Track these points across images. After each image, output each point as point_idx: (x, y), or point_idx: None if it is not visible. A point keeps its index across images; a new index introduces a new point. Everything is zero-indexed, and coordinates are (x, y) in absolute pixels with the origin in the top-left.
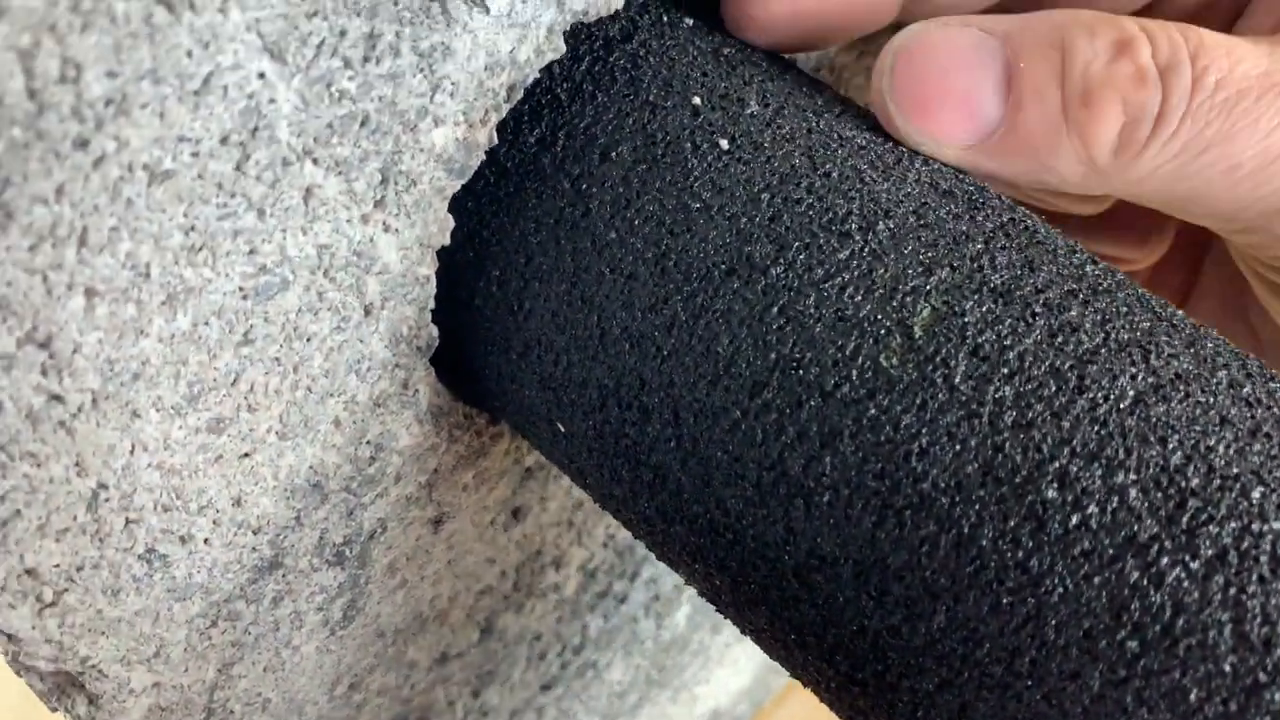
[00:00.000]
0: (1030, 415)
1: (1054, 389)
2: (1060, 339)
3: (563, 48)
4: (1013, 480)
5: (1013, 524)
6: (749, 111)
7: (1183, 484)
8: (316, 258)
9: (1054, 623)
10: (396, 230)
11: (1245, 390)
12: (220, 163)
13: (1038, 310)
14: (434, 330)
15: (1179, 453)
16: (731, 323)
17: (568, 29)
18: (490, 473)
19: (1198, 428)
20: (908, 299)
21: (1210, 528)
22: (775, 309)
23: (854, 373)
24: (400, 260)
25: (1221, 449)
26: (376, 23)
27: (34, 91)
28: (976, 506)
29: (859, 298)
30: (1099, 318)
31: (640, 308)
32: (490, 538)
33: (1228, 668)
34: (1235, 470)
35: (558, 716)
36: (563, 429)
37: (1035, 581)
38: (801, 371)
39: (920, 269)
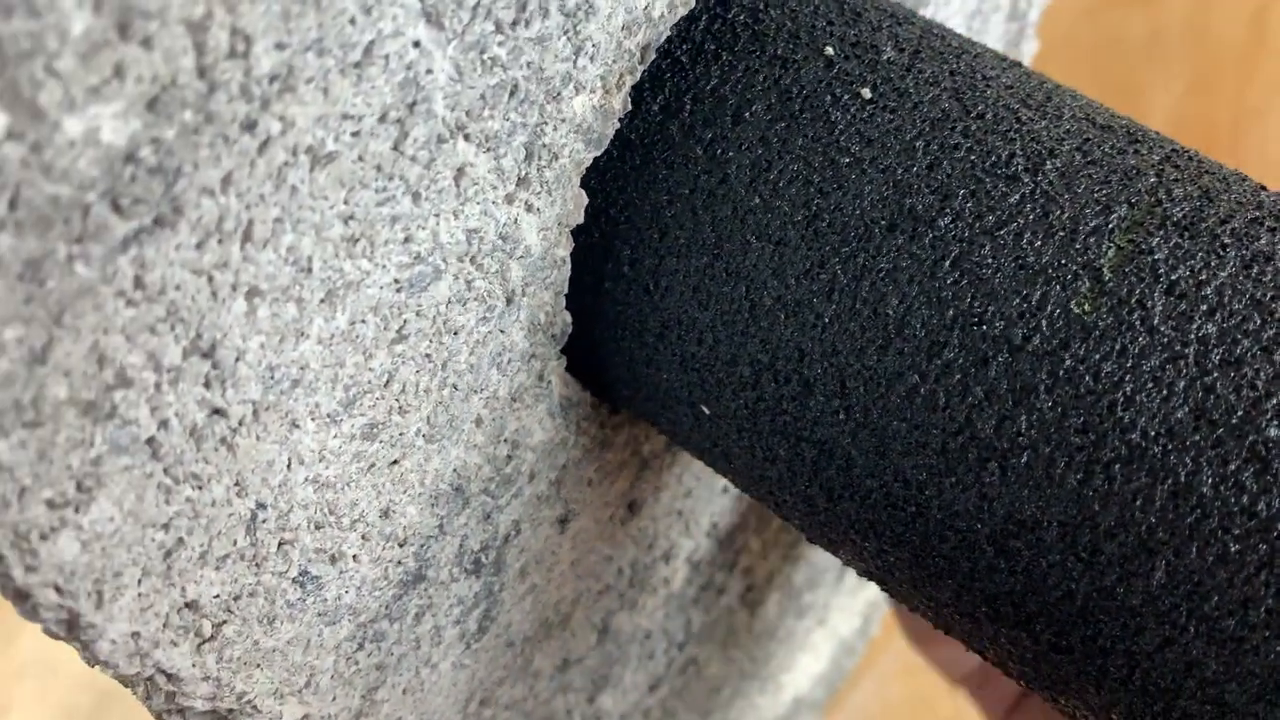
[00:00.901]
0: (1239, 351)
1: (1259, 322)
2: (1256, 269)
3: (694, 2)
4: (1229, 421)
5: (1234, 467)
6: (885, 58)
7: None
8: (466, 243)
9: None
10: (538, 210)
11: None
12: (379, 142)
13: (1226, 241)
14: (568, 316)
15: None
16: (900, 281)
17: None
18: (611, 465)
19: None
20: (1091, 240)
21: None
22: (948, 262)
23: (1043, 322)
24: (540, 242)
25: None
26: None
27: (204, 69)
28: (1193, 452)
29: (1038, 243)
30: None
31: (794, 274)
32: (610, 534)
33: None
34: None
35: (661, 717)
36: (707, 411)
37: (1266, 526)
38: (985, 326)
39: (1098, 207)
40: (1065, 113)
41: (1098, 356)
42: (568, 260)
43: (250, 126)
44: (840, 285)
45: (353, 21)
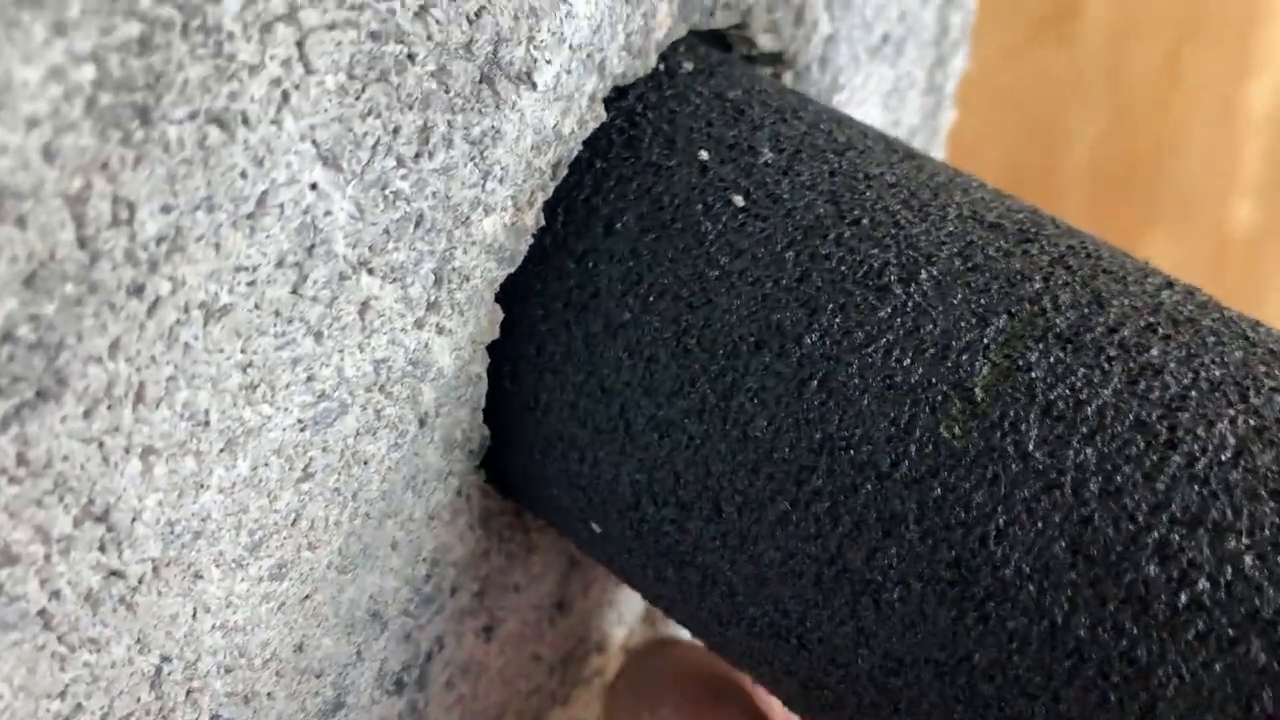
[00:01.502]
0: (1118, 480)
1: (1142, 446)
2: (1142, 385)
3: (604, 115)
4: (1106, 558)
5: (1112, 608)
6: (763, 160)
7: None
8: (374, 374)
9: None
10: (450, 331)
11: None
12: (277, 288)
13: (1112, 354)
14: (485, 430)
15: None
16: (768, 401)
17: (608, 94)
18: (537, 568)
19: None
20: (964, 357)
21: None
22: (815, 382)
23: (912, 448)
24: (454, 362)
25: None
26: (429, 114)
27: (85, 240)
28: (1068, 591)
29: (907, 361)
30: (1183, 354)
31: (665, 392)
32: (538, 634)
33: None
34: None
35: None
36: (598, 529)
37: (1145, 673)
38: (852, 451)
39: (974, 320)
40: (951, 212)
41: (968, 485)
42: (483, 376)
43: (138, 291)
44: (710, 405)
45: (244, 175)
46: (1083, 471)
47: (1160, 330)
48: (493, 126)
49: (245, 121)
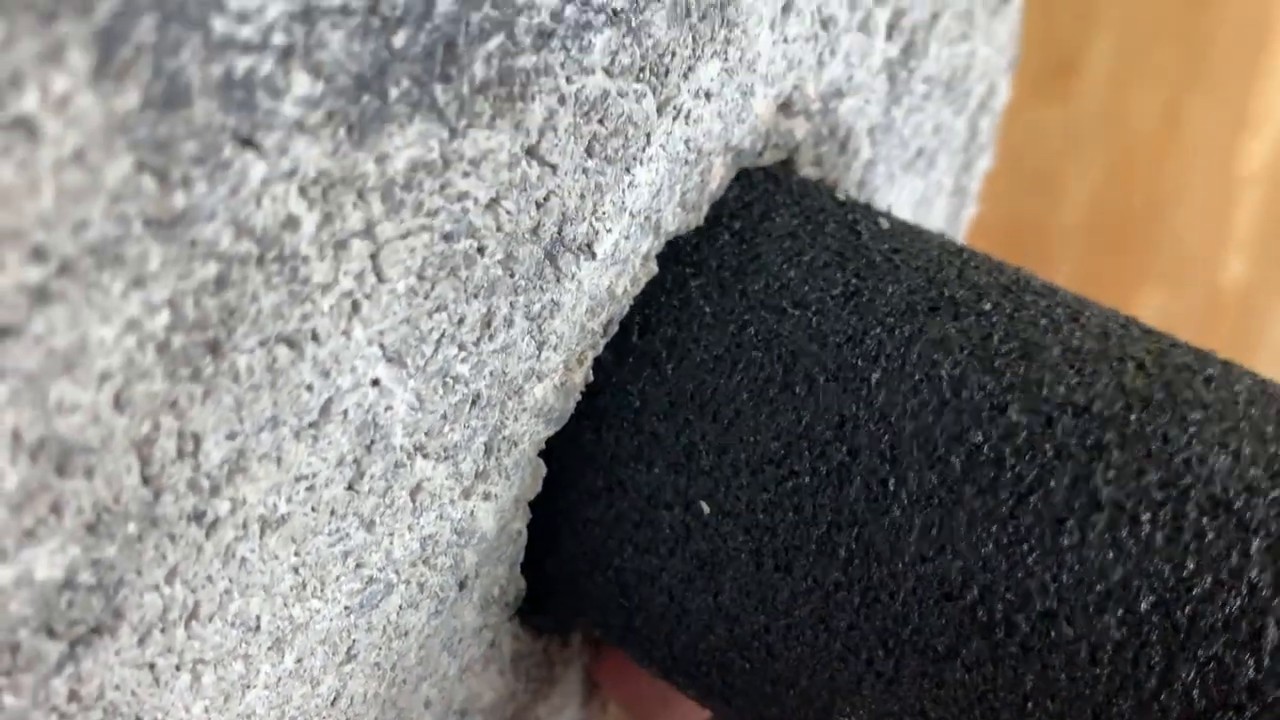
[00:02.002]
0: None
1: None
2: (1270, 387)
3: (656, 269)
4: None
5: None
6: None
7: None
8: (420, 550)
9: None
10: (496, 496)
11: None
12: (334, 488)
13: (1231, 366)
14: (522, 582)
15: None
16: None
17: (661, 250)
18: (559, 697)
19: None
20: (1124, 341)
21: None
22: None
23: (1102, 390)
24: (496, 523)
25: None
26: (494, 300)
27: (149, 478)
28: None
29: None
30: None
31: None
32: None
33: None
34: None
35: None
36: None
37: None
38: (1046, 390)
39: (1118, 325)
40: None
41: None
42: (524, 532)
43: (199, 517)
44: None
45: (310, 389)
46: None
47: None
48: (552, 300)
49: (315, 338)
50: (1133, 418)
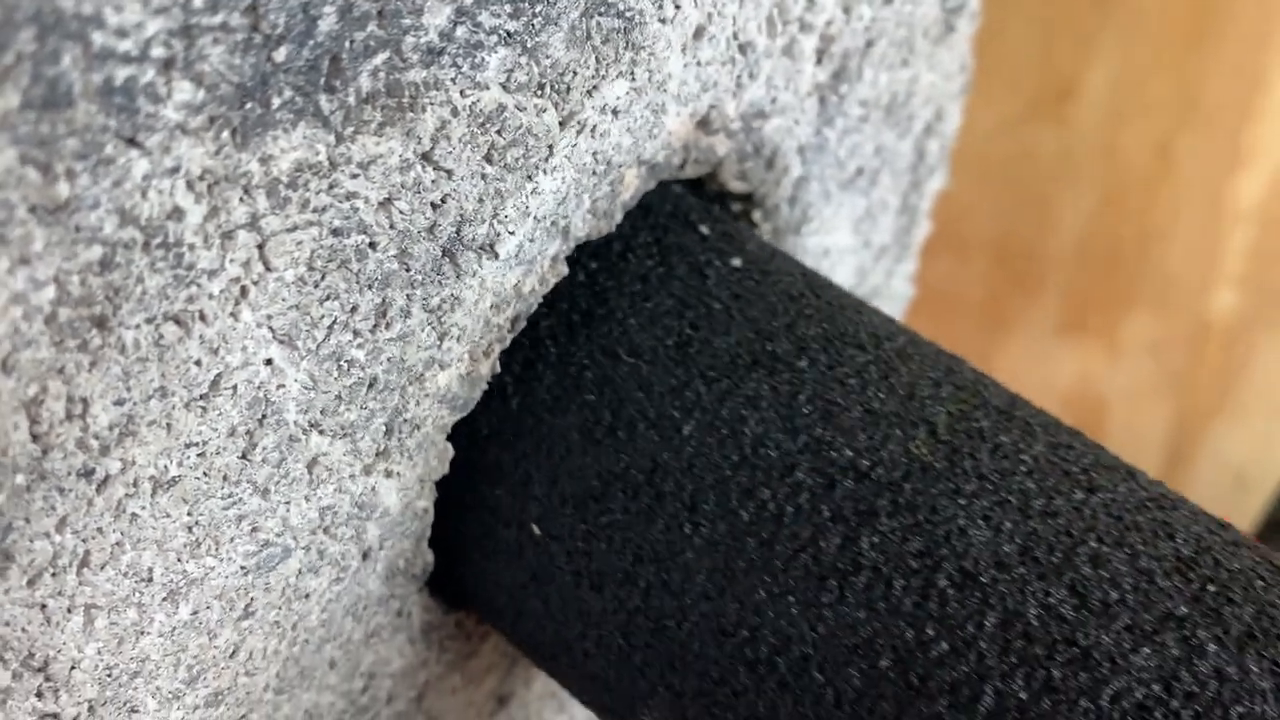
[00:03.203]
0: (1056, 504)
1: (1070, 486)
2: (1061, 452)
3: (565, 270)
4: (1050, 559)
5: (1055, 599)
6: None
7: (1201, 571)
8: (319, 520)
9: (1108, 695)
10: (399, 474)
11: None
12: (226, 456)
13: (1036, 428)
14: (429, 556)
15: (1189, 547)
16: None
17: (570, 254)
18: (477, 669)
19: (1197, 528)
20: (927, 403)
21: (1232, 609)
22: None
23: (886, 457)
24: (400, 500)
25: (1219, 547)
26: (388, 292)
27: (38, 435)
28: (1019, 583)
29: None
30: (1086, 443)
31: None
32: None
33: None
34: (1237, 565)
35: None
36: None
37: (1085, 654)
38: (834, 453)
39: (930, 382)
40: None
41: (934, 491)
42: (430, 509)
43: (88, 474)
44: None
45: (198, 364)
46: (1026, 495)
47: (1065, 429)
48: (452, 295)
49: (202, 319)
50: (908, 486)
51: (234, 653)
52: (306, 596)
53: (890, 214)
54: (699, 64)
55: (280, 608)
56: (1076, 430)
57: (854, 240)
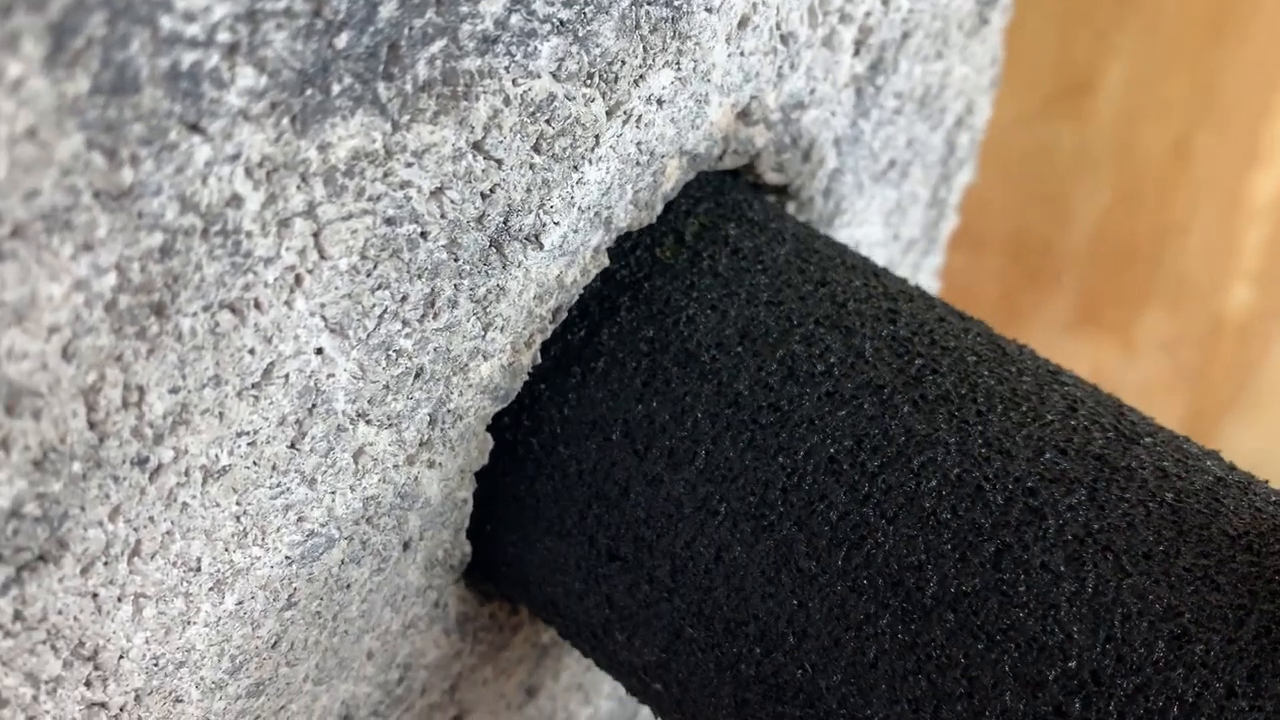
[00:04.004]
0: (781, 297)
1: (801, 280)
2: (804, 255)
3: (606, 261)
4: (767, 339)
5: (765, 371)
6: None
7: (914, 348)
8: (362, 509)
9: (802, 452)
10: (441, 464)
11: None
12: (276, 445)
13: (789, 235)
14: (468, 547)
15: (907, 330)
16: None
17: (612, 244)
18: (508, 661)
19: (926, 315)
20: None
21: (935, 377)
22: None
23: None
24: (441, 490)
25: (940, 331)
26: (437, 281)
27: (95, 423)
28: (734, 360)
29: None
30: (841, 252)
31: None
32: None
33: (955, 475)
34: (953, 344)
35: None
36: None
37: (784, 417)
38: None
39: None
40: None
41: (670, 288)
42: (469, 500)
43: (142, 462)
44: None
45: (252, 352)
46: (755, 288)
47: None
48: (498, 285)
49: (257, 306)
50: (647, 285)
51: (276, 643)
52: (348, 587)
53: (920, 207)
54: (742, 54)
55: (322, 598)
56: (839, 244)
57: (884, 233)
